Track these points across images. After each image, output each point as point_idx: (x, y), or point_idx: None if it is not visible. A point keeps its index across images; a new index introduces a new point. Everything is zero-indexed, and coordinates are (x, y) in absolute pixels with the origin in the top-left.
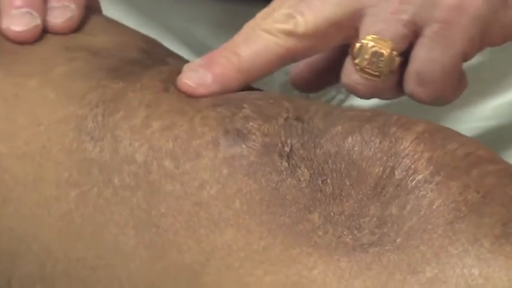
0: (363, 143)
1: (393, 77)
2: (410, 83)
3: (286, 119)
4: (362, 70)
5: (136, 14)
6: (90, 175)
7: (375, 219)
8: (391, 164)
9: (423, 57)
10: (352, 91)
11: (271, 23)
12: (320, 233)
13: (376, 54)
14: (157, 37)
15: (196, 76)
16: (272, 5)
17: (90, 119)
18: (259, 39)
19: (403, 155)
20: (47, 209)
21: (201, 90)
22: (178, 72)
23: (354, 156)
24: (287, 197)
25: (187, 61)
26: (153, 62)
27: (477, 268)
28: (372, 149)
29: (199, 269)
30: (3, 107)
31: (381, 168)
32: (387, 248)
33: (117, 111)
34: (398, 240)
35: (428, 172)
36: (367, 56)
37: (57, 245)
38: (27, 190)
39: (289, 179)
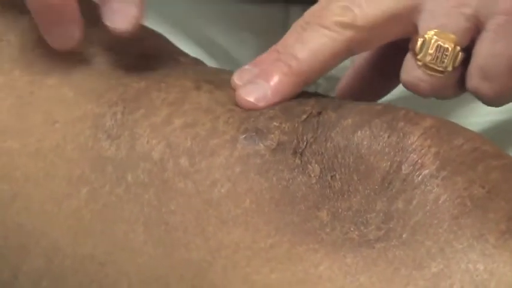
0: (372, 137)
1: (456, 73)
2: (474, 79)
3: (308, 115)
4: (425, 66)
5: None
6: (103, 173)
7: (381, 214)
8: (398, 159)
9: (487, 51)
10: (414, 89)
11: (327, 17)
12: (327, 230)
13: (441, 49)
14: (167, 35)
15: (256, 90)
16: (321, 3)
17: (109, 117)
18: (314, 37)
19: (410, 149)
20: (57, 205)
21: (262, 104)
22: (208, 71)
23: (363, 151)
24: (297, 194)
25: (198, 60)
26: (165, 59)
27: (482, 263)
28: (380, 144)
29: (206, 266)
30: (17, 104)
31: (389, 163)
32: (393, 243)
33: (138, 109)
34: (404, 235)
35: (434, 167)
36: (431, 51)
37: (65, 241)
38: (38, 186)
39: (300, 176)
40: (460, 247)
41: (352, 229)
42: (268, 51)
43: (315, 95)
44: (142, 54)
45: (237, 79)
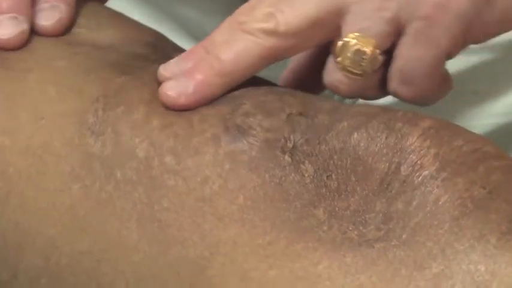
0: (369, 138)
1: (376, 75)
2: (394, 82)
3: (289, 114)
4: (344, 69)
5: (146, 6)
6: (92, 169)
7: (380, 215)
8: (397, 160)
9: (406, 55)
10: (335, 90)
11: (251, 23)
12: (325, 228)
13: (359, 53)
14: (167, 30)
15: (177, 86)
16: (251, 3)
17: (91, 113)
18: (239, 41)
19: (409, 150)
20: (52, 202)
21: (183, 101)
22: None
23: (360, 152)
24: (291, 192)
25: None
26: (159, 57)
27: (483, 264)
28: (378, 145)
29: (204, 263)
30: (4, 101)
31: (387, 164)
32: (393, 243)
33: (118, 105)
34: (404, 236)
35: (434, 168)
36: (349, 55)
37: (61, 238)
38: (31, 183)
39: (293, 174)
40: (461, 248)
41: (350, 228)
42: (196, 46)
43: (288, 90)
44: (134, 52)
45: (162, 70)
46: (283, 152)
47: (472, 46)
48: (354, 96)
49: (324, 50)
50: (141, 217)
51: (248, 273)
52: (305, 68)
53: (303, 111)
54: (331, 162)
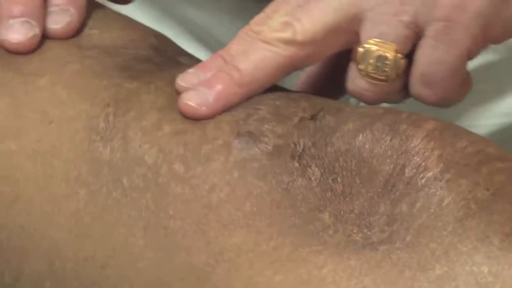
0: (374, 140)
1: (400, 80)
2: (416, 85)
3: (301, 118)
4: (368, 75)
5: (150, 8)
6: (99, 175)
7: (384, 217)
8: (401, 162)
9: (427, 58)
10: (359, 97)
11: (268, 33)
12: (330, 232)
13: (381, 58)
14: (171, 32)
15: (197, 96)
16: (267, 12)
17: (102, 118)
18: (257, 50)
19: (413, 152)
20: (57, 206)
21: (203, 111)
22: None
23: (365, 154)
24: (298, 197)
25: (200, 60)
26: (162, 60)
27: (486, 266)
28: (383, 147)
29: (209, 270)
30: (13, 105)
31: (391, 166)
32: (397, 245)
33: (128, 111)
34: (408, 238)
35: (438, 170)
36: (371, 61)
37: (66, 243)
38: (38, 188)
39: (300, 179)
40: (464, 249)
41: (355, 231)
42: (213, 56)
43: (304, 95)
44: (139, 55)
45: (181, 81)
46: (293, 158)
47: None
48: (379, 102)
49: (336, 58)
50: (148, 224)
51: (253, 279)
52: (318, 77)
53: (314, 114)
54: (337, 164)
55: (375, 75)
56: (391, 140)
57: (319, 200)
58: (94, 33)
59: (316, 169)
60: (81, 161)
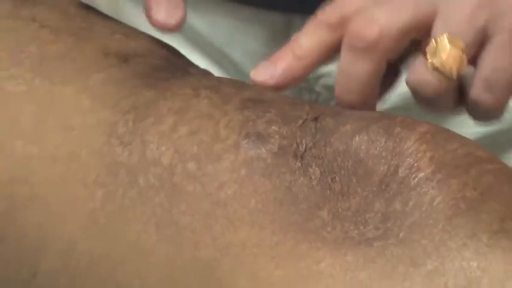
0: (370, 142)
1: (457, 83)
2: (477, 89)
3: (304, 120)
4: (436, 69)
5: None
6: (117, 177)
7: (379, 214)
8: (395, 163)
9: (492, 64)
10: (419, 89)
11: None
12: (329, 228)
13: (451, 55)
14: (175, 43)
15: (266, 69)
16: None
17: (121, 124)
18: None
19: (406, 154)
20: (74, 207)
21: (272, 81)
22: (209, 79)
23: (361, 155)
24: (299, 195)
25: (207, 71)
26: (174, 69)
27: (475, 261)
28: (378, 148)
29: (215, 264)
30: (37, 111)
31: (386, 167)
32: (390, 242)
33: (147, 117)
34: (401, 234)
35: (430, 170)
36: (443, 56)
37: (82, 241)
38: (56, 189)
39: (302, 178)
40: (454, 246)
41: (351, 228)
42: (282, 50)
43: (309, 102)
44: (155, 64)
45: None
46: (295, 157)
47: None
48: (431, 101)
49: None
50: (160, 220)
51: (256, 273)
52: None
53: (315, 116)
54: (335, 164)
55: (442, 70)
56: (385, 141)
57: (318, 198)
58: (118, 38)
59: (317, 168)
60: (100, 165)
